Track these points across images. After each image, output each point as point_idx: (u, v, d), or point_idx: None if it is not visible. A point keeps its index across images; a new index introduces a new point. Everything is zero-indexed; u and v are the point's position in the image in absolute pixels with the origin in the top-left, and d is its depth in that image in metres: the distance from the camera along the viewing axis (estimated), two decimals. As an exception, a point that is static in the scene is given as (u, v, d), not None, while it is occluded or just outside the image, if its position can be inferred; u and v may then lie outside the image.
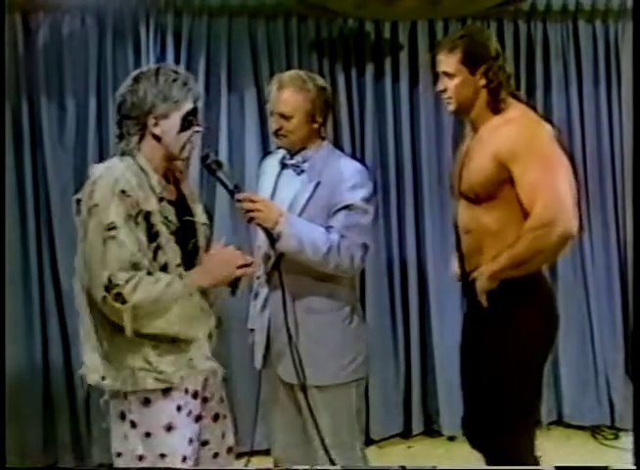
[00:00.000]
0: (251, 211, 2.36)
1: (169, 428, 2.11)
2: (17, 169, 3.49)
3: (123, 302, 2.02)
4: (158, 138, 2.15)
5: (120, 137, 2.17)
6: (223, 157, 3.63)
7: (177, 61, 3.56)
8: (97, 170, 2.12)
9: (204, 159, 2.34)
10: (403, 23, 3.80)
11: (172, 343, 2.11)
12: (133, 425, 2.12)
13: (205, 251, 2.29)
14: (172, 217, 2.15)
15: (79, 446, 3.59)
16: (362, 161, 3.70)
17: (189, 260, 2.21)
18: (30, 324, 3.51)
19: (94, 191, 2.07)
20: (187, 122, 2.15)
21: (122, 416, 2.13)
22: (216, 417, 2.30)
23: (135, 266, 2.04)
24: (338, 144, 3.73)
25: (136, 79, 2.14)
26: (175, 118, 2.13)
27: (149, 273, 2.07)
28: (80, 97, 3.54)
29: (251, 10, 3.66)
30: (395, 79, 3.85)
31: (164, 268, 2.11)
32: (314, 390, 2.51)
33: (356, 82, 3.82)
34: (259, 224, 2.40)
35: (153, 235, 2.09)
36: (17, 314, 3.46)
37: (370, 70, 3.81)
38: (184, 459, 2.14)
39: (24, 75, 3.48)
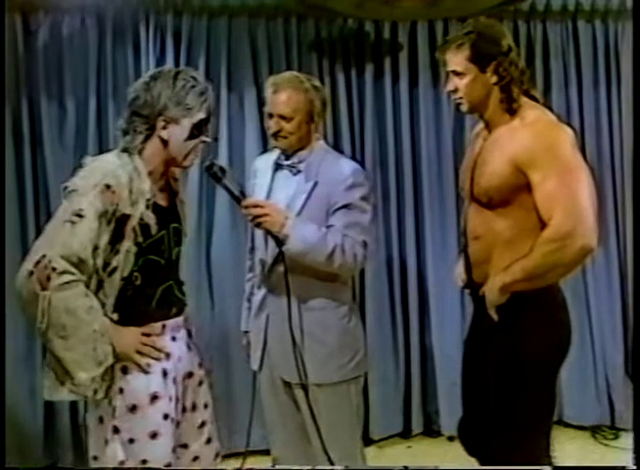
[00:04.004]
0: (259, 216, 2.36)
1: (154, 435, 2.09)
2: (17, 169, 3.49)
3: (43, 288, 1.95)
4: (164, 142, 2.11)
5: (125, 133, 2.13)
6: (223, 157, 3.64)
7: (177, 61, 3.57)
8: (90, 161, 2.11)
9: (208, 167, 2.33)
10: (403, 23, 3.80)
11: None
12: (116, 430, 2.08)
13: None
14: (153, 225, 2.09)
15: (79, 445, 3.59)
16: (362, 161, 3.74)
17: (172, 271, 2.21)
18: (31, 324, 3.50)
19: (77, 178, 2.06)
20: (197, 131, 2.12)
21: (101, 420, 2.10)
22: (202, 424, 2.29)
23: (80, 262, 1.98)
24: (338, 144, 3.75)
25: (153, 78, 2.11)
26: (185, 125, 2.10)
27: (87, 285, 2.02)
28: (80, 97, 3.54)
29: (250, 10, 3.66)
30: (395, 79, 3.85)
31: (112, 273, 2.06)
32: (314, 388, 2.52)
33: (356, 82, 3.82)
34: (267, 228, 2.40)
35: (118, 237, 2.04)
36: (16, 314, 3.46)
37: (370, 70, 3.81)
38: (167, 466, 2.12)
39: (24, 75, 3.48)
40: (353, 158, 3.74)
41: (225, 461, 3.39)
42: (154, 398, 2.09)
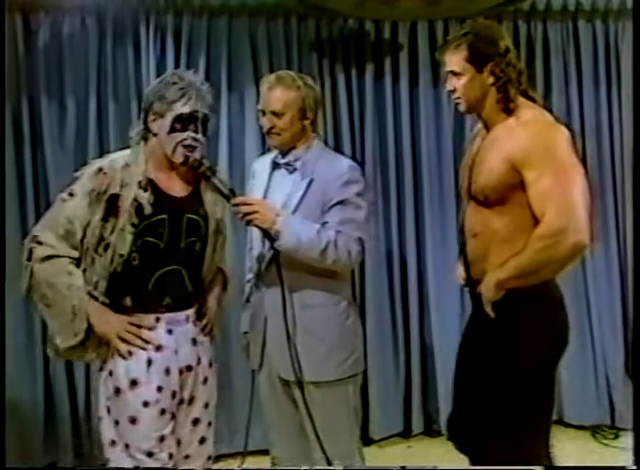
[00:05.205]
0: (249, 213, 2.39)
1: (133, 420, 2.18)
2: (17, 169, 3.50)
3: (29, 258, 2.19)
4: (155, 134, 2.27)
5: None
6: (223, 157, 3.64)
7: (177, 61, 3.57)
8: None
9: (197, 166, 2.36)
10: (403, 23, 3.81)
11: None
12: (108, 411, 2.22)
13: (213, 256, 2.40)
14: (146, 205, 2.20)
15: (79, 446, 3.60)
16: (362, 160, 3.75)
17: (179, 257, 2.28)
18: (31, 323, 3.51)
19: (86, 167, 2.28)
20: (179, 125, 2.23)
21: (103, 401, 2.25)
22: (196, 422, 2.32)
23: (67, 234, 2.17)
24: (338, 144, 3.76)
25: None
26: (168, 118, 2.23)
27: (77, 264, 2.19)
28: (80, 97, 3.54)
29: (251, 10, 3.67)
30: (395, 79, 3.85)
31: (106, 249, 2.19)
32: (311, 386, 2.52)
33: (356, 82, 3.83)
34: (258, 225, 2.42)
35: (111, 215, 2.19)
36: (17, 314, 3.47)
37: (370, 70, 3.82)
38: (149, 455, 2.18)
39: (25, 75, 3.48)
40: (354, 157, 3.75)
41: (225, 461, 3.42)
42: (133, 383, 2.19)
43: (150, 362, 2.21)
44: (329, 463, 2.52)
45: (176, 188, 2.29)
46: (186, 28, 3.59)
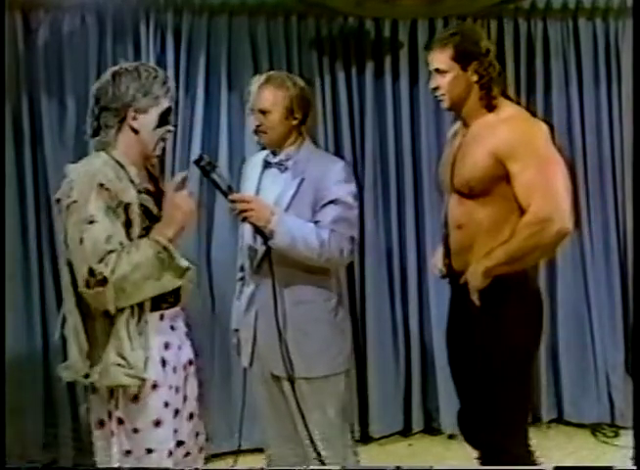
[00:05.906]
0: (245, 210, 2.41)
1: (157, 423, 2.14)
2: (17, 167, 3.49)
3: (105, 281, 2.02)
4: (135, 131, 2.17)
5: (96, 132, 2.20)
6: (223, 156, 3.64)
7: (177, 60, 3.57)
8: (74, 169, 2.15)
9: (197, 161, 2.38)
10: (403, 21, 3.80)
11: (141, 335, 2.11)
12: (120, 422, 2.14)
13: None
14: (152, 207, 2.17)
15: (79, 444, 3.59)
16: (362, 159, 3.77)
17: None
18: (31, 323, 3.52)
19: (72, 188, 2.09)
20: (163, 120, 2.20)
21: (109, 416, 2.15)
22: (190, 416, 2.32)
23: (111, 252, 2.05)
24: (338, 142, 3.76)
25: (116, 74, 2.19)
26: (153, 114, 2.18)
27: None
28: (80, 95, 3.52)
29: (251, 8, 3.67)
30: (395, 78, 3.85)
31: None
32: (302, 382, 2.55)
33: (356, 81, 3.82)
34: (253, 223, 2.43)
35: (129, 226, 2.11)
36: (17, 312, 3.47)
37: (370, 68, 3.81)
38: (170, 454, 2.17)
39: (25, 74, 3.48)
40: (354, 156, 3.76)
41: (224, 460, 3.42)
42: (153, 386, 2.14)
43: (164, 362, 2.19)
44: (320, 461, 2.53)
45: (150, 184, 2.26)
46: (186, 27, 3.59)
